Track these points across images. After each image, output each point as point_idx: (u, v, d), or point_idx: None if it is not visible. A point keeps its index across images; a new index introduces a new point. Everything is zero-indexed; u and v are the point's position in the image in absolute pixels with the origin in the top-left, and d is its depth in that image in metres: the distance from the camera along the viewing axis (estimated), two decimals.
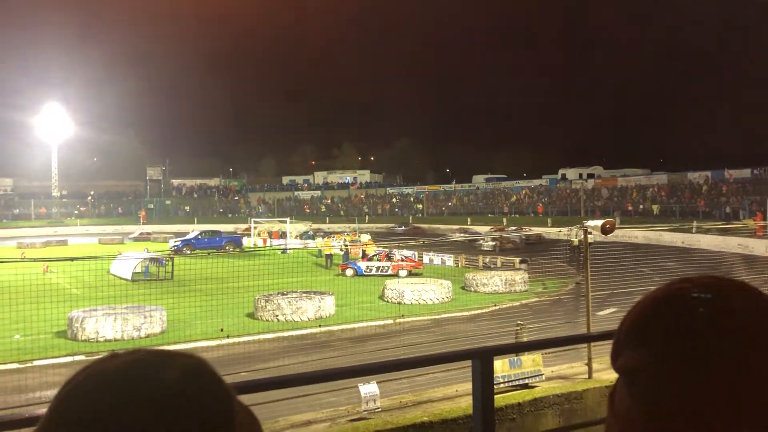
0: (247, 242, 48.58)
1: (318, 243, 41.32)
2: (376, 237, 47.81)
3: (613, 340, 0.83)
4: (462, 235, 48.06)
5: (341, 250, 35.97)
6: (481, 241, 42.09)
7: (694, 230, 38.67)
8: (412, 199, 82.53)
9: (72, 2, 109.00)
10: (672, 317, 0.78)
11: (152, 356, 0.73)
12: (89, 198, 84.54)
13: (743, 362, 0.73)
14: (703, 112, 76.35)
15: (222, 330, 19.51)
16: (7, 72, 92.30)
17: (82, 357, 16.83)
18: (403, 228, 60.59)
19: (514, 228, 53.18)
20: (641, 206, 59.30)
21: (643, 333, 0.79)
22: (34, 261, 23.41)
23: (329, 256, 35.32)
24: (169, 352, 0.75)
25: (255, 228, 53.52)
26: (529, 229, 48.49)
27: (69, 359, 16.44)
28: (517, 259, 32.28)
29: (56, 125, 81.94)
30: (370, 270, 31.65)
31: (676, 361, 0.75)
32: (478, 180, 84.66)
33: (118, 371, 0.69)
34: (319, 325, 20.76)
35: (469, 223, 63.72)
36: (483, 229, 55.87)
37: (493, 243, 41.39)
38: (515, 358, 11.52)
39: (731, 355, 0.74)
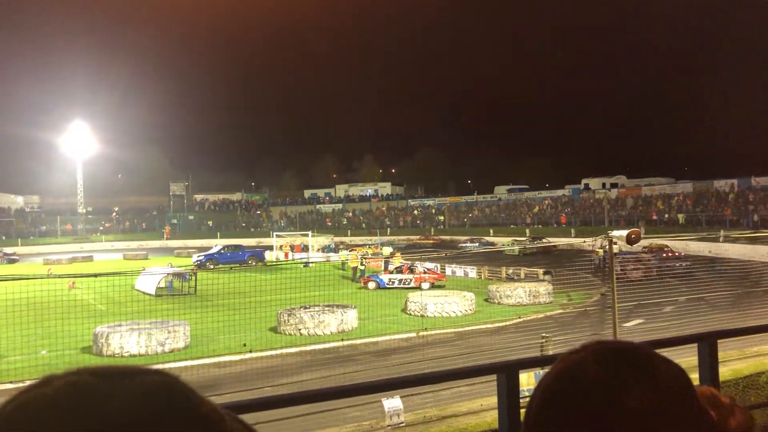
0: (269, 256, 48.77)
1: (342, 256, 41.36)
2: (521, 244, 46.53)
3: (525, 413, 0.89)
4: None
5: (362, 265, 35.94)
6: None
7: (721, 239, 38.02)
8: (433, 211, 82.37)
9: (96, 22, 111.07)
10: (568, 389, 0.83)
11: (97, 378, 0.57)
12: (114, 214, 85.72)
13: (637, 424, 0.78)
14: (727, 118, 75.32)
15: (245, 345, 19.53)
16: (34, 92, 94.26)
17: (113, 364, 16.93)
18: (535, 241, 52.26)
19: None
20: (666, 215, 58.55)
21: (547, 407, 0.83)
22: (60, 277, 23.68)
23: (355, 269, 35.38)
24: (122, 370, 0.59)
25: (277, 242, 53.75)
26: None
27: (98, 366, 16.55)
28: (541, 270, 31.98)
29: (81, 143, 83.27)
30: (393, 283, 31.55)
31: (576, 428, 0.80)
32: (500, 191, 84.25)
33: (49, 401, 0.55)
34: (342, 339, 20.68)
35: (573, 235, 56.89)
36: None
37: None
38: (541, 372, 11.34)
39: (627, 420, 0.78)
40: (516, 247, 44.19)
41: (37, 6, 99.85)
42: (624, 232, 12.77)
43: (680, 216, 56.68)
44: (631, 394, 0.78)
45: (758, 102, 71.74)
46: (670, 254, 32.08)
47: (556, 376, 0.86)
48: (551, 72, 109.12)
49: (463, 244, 51.79)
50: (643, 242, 37.82)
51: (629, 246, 13.47)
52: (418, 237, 60.66)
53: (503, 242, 51.58)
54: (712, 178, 62.16)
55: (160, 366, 17.79)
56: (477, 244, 52.01)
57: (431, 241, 56.27)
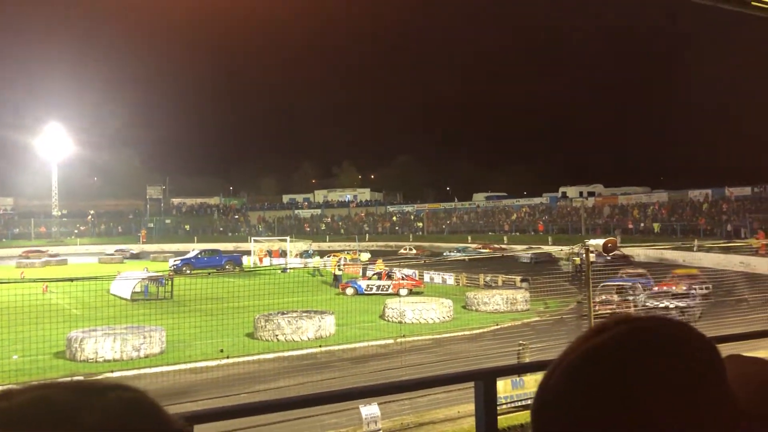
0: (247, 261, 48.52)
1: (315, 262, 41.28)
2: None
3: (536, 393, 0.79)
4: None
5: (340, 269, 35.86)
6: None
7: (695, 249, 38.53)
8: (412, 217, 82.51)
9: (72, 23, 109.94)
10: (588, 376, 0.75)
11: (63, 393, 0.55)
12: (89, 217, 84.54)
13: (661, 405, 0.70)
14: (703, 130, 76.52)
15: (222, 351, 19.37)
16: (8, 93, 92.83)
17: (80, 378, 16.71)
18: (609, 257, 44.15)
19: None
20: (642, 224, 59.25)
21: (564, 395, 0.75)
22: (34, 281, 23.32)
23: (335, 274, 35.38)
24: (89, 385, 0.57)
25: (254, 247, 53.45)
26: None
27: (66, 380, 16.32)
28: (518, 278, 32.15)
29: (57, 145, 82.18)
30: (371, 289, 31.53)
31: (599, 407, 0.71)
32: (479, 198, 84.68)
33: (10, 417, 0.51)
34: (320, 345, 20.62)
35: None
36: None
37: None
38: (518, 379, 11.42)
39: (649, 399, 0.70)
40: (571, 261, 38.81)
41: (11, 7, 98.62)
42: (600, 241, 12.93)
43: (655, 225, 57.39)
44: (653, 383, 0.70)
45: (733, 114, 73.01)
46: (664, 286, 24.89)
47: (576, 359, 0.76)
48: (530, 80, 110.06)
49: (518, 254, 48.40)
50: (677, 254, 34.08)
51: (605, 254, 13.58)
52: (475, 245, 59.76)
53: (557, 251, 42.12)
54: (686, 188, 63.09)
55: (134, 372, 17.59)
56: (530, 255, 46.92)
57: (489, 250, 55.48)
